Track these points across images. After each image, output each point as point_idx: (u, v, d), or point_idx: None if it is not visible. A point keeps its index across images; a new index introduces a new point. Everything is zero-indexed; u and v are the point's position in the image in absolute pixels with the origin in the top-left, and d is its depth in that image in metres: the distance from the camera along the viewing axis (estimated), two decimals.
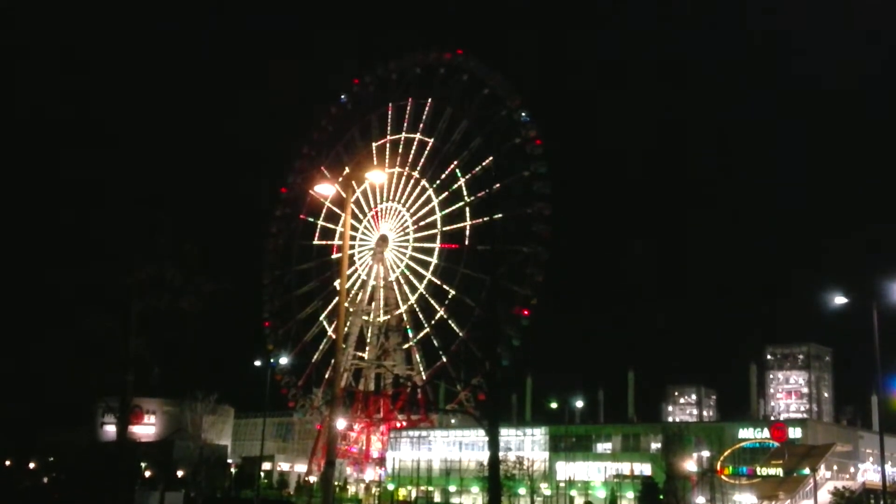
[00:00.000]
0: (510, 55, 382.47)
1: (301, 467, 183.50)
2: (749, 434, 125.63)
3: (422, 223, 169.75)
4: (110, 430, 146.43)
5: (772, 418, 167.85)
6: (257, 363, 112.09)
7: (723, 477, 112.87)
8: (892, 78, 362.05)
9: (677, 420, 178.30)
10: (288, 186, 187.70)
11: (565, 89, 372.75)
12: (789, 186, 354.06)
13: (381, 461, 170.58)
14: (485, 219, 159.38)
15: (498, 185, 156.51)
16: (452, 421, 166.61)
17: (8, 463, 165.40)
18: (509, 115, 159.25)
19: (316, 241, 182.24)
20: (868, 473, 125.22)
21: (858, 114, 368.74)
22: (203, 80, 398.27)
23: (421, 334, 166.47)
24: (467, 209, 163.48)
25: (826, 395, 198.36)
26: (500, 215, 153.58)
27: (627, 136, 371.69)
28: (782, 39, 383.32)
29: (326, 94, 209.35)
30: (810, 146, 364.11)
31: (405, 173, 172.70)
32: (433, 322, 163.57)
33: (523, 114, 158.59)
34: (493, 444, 49.19)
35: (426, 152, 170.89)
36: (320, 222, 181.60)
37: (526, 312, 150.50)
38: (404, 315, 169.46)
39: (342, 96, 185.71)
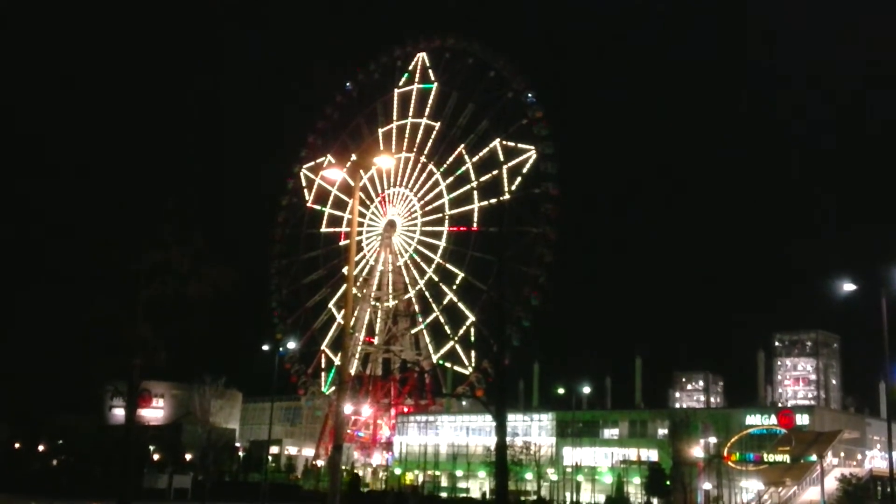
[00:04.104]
0: (515, 37, 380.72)
1: (309, 451, 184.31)
2: (756, 420, 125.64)
3: (429, 207, 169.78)
4: (119, 413, 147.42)
5: (779, 405, 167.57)
6: (265, 347, 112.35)
7: (730, 463, 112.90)
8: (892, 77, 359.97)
9: (684, 406, 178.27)
10: (294, 175, 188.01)
11: (572, 69, 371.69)
12: (797, 176, 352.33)
13: (388, 446, 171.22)
14: (492, 201, 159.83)
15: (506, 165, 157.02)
16: (464, 404, 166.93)
17: (17, 446, 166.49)
18: (515, 97, 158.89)
19: (323, 229, 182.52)
20: (875, 460, 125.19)
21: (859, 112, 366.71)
22: (209, 69, 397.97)
23: (430, 318, 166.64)
24: (475, 192, 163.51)
25: (834, 382, 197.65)
26: (507, 197, 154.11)
27: (636, 119, 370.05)
28: (783, 36, 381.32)
29: (331, 83, 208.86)
30: (815, 134, 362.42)
31: (412, 158, 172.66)
32: (442, 306, 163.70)
33: (529, 95, 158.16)
34: (501, 429, 49.24)
35: (433, 136, 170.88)
36: (327, 210, 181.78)
37: (535, 293, 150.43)
38: (413, 299, 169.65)
39: (347, 84, 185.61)
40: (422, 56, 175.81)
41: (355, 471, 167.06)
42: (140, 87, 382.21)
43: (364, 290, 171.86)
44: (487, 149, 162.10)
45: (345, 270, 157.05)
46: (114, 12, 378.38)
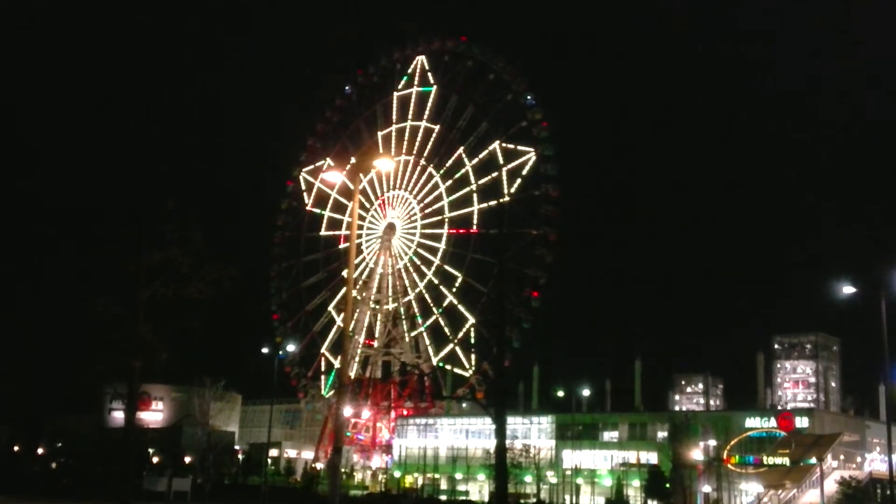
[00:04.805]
0: (514, 39, 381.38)
1: (308, 454, 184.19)
2: (756, 423, 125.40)
3: (429, 210, 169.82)
4: (118, 416, 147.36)
5: (779, 407, 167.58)
6: (265, 350, 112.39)
7: (729, 466, 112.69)
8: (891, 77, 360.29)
9: (684, 409, 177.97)
10: (294, 179, 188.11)
11: (571, 70, 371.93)
12: (797, 177, 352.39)
13: (387, 448, 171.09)
14: (492, 203, 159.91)
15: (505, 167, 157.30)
16: (464, 406, 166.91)
17: (17, 448, 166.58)
18: (515, 99, 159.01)
19: (323, 232, 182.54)
20: (875, 463, 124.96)
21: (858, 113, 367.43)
22: (209, 70, 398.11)
23: (430, 321, 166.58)
24: (475, 194, 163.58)
25: (833, 384, 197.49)
26: (507, 199, 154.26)
27: (636, 120, 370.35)
28: (783, 37, 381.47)
29: (331, 86, 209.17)
30: (816, 134, 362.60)
31: (411, 161, 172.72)
32: (442, 308, 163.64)
33: (529, 97, 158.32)
34: (500, 432, 49.14)
35: (432, 139, 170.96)
36: (327, 213, 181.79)
37: (536, 294, 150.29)
38: (413, 302, 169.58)
39: (346, 87, 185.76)
40: (421, 59, 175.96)
41: (355, 473, 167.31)
42: (140, 87, 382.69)
43: (364, 293, 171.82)
44: (487, 151, 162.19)
45: (344, 273, 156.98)
46: (114, 12, 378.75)
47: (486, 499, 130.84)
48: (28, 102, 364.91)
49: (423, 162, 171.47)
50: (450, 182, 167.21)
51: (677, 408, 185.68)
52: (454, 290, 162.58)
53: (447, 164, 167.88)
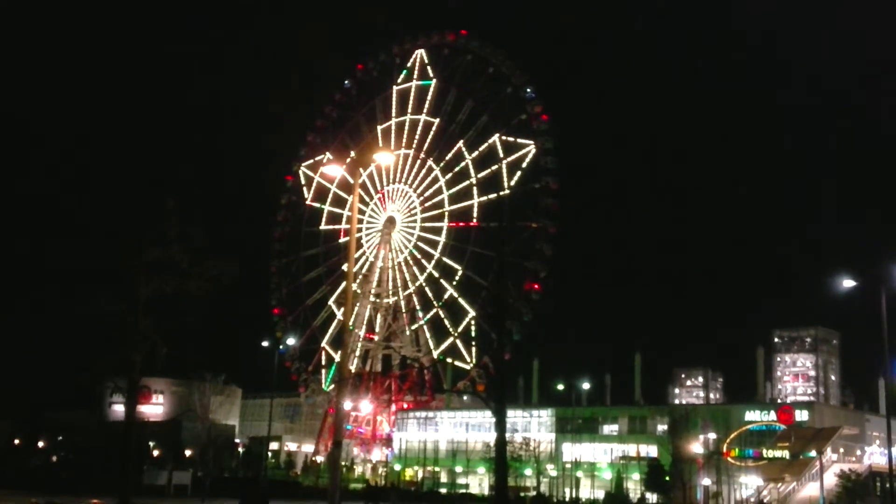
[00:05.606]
0: (514, 39, 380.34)
1: (308, 447, 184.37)
2: (756, 417, 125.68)
3: (429, 203, 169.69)
4: (118, 409, 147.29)
5: (778, 401, 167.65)
6: (265, 344, 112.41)
7: (729, 459, 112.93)
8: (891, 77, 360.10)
9: (684, 402, 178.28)
10: (293, 174, 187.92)
11: (571, 70, 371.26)
12: (798, 174, 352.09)
13: (388, 442, 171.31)
14: (492, 196, 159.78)
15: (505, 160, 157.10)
16: (465, 399, 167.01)
17: (17, 442, 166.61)
18: (514, 93, 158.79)
19: (323, 227, 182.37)
20: (874, 456, 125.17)
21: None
22: (209, 69, 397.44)
23: (430, 314, 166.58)
24: (474, 187, 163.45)
25: (833, 378, 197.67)
26: (507, 192, 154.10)
27: (637, 115, 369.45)
28: (783, 36, 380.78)
29: (330, 81, 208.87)
30: (816, 133, 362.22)
31: (411, 154, 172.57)
32: (442, 301, 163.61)
33: (528, 90, 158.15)
34: (500, 425, 49.22)
35: (432, 133, 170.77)
36: (327, 207, 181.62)
37: (537, 287, 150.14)
38: (413, 295, 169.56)
39: (346, 82, 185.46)
40: (420, 53, 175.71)
41: (355, 466, 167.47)
42: (140, 85, 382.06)
43: (364, 287, 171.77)
44: (487, 144, 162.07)
45: (344, 267, 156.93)
46: (114, 12, 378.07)
47: (486, 492, 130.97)
48: (28, 102, 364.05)
49: (422, 155, 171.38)
50: (450, 175, 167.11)
51: (677, 401, 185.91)
52: (454, 283, 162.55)
53: (447, 158, 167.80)
